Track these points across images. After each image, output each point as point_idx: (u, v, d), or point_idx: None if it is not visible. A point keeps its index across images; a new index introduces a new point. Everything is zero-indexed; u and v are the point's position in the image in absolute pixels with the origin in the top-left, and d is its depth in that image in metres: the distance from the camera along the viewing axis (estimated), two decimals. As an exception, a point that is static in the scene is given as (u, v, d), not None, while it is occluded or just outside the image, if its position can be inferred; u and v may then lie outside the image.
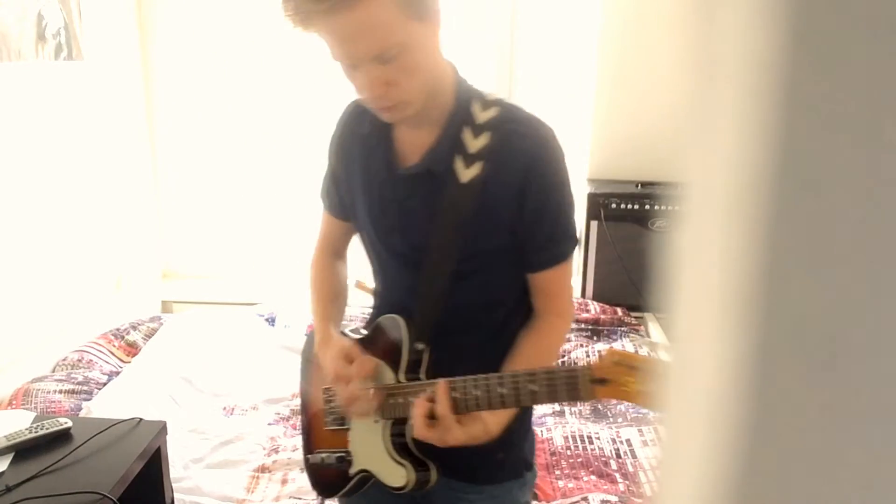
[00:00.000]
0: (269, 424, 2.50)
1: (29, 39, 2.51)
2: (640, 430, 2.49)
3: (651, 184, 3.02)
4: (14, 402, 2.33)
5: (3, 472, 1.56)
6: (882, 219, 0.23)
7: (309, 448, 1.37)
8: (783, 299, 0.23)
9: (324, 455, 1.30)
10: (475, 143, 1.09)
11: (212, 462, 2.28)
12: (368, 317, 1.32)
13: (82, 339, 2.76)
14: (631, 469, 2.31)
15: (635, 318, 3.06)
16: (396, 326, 1.18)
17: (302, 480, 2.18)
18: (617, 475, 2.25)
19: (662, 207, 2.93)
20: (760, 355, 0.24)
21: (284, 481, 2.19)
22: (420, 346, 1.16)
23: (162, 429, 1.78)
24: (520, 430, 1.24)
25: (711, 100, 0.25)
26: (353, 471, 1.26)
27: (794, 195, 0.23)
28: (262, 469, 2.25)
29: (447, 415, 1.06)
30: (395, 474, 1.18)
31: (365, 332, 1.30)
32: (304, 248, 3.68)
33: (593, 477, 2.23)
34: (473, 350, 1.18)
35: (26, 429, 1.68)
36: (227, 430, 2.42)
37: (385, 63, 0.99)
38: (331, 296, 1.32)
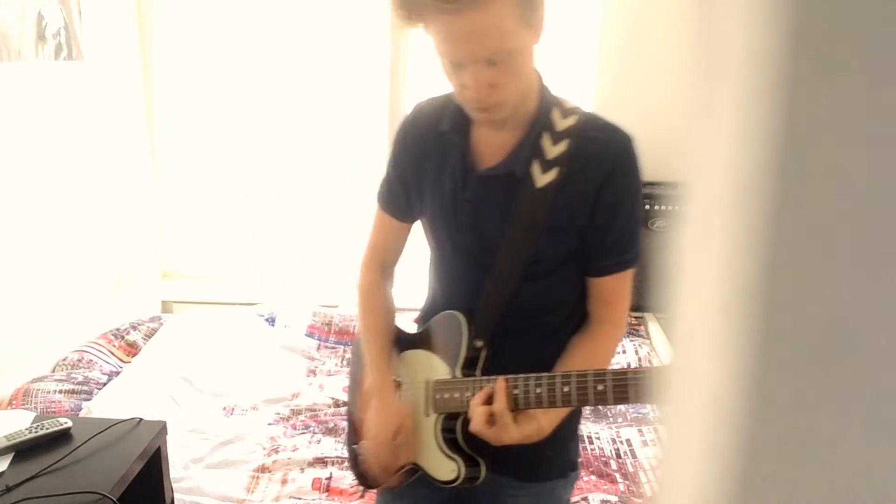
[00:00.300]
0: (269, 424, 2.50)
1: (29, 39, 2.51)
2: (640, 430, 2.49)
3: (651, 184, 3.01)
4: (14, 402, 2.33)
5: (3, 472, 1.56)
6: (883, 219, 0.23)
7: (354, 438, 1.39)
8: (783, 300, 0.23)
9: None
10: (553, 150, 1.11)
11: (212, 462, 2.28)
12: (423, 308, 1.34)
13: (82, 339, 2.76)
14: (631, 469, 2.31)
15: (635, 318, 3.06)
16: (457, 323, 1.20)
17: (302, 480, 2.18)
18: (617, 475, 2.25)
19: (662, 207, 2.92)
20: (760, 356, 0.24)
21: (284, 481, 2.19)
22: (479, 343, 1.18)
23: (162, 429, 1.78)
24: (568, 430, 1.26)
25: (712, 100, 0.25)
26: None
27: (794, 195, 0.23)
28: (262, 469, 2.25)
29: (504, 412, 1.08)
30: (445, 469, 1.20)
31: (417, 323, 1.33)
32: (303, 248, 3.68)
33: (593, 477, 2.23)
34: (528, 350, 1.19)
35: (26, 429, 1.68)
36: (227, 430, 2.42)
37: (493, 65, 1.01)
38: (384, 331, 1.32)
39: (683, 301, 0.28)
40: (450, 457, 1.20)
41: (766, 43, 0.22)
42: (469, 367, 1.19)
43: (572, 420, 1.28)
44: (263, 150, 3.48)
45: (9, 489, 1.50)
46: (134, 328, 2.93)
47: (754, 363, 0.24)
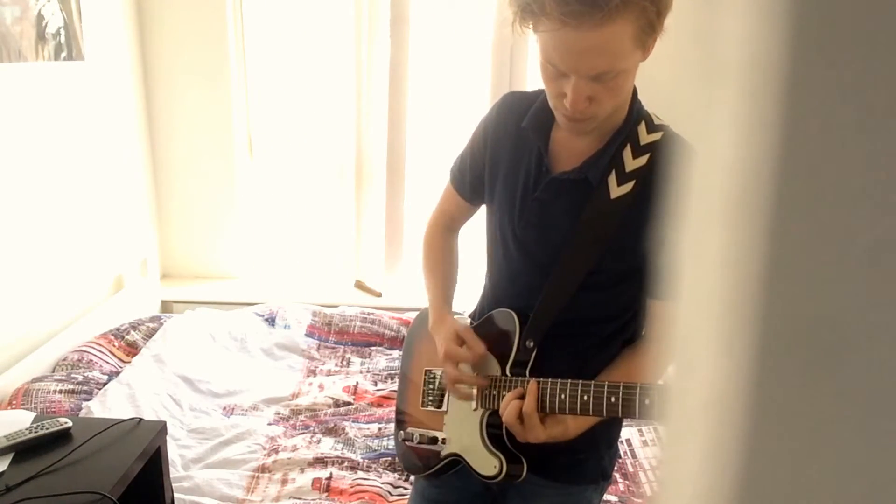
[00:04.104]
0: (269, 424, 2.50)
1: (29, 39, 2.51)
2: (640, 430, 2.49)
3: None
4: (14, 402, 2.33)
5: (3, 472, 1.56)
6: (883, 220, 0.23)
7: (401, 424, 1.41)
8: (783, 301, 0.23)
9: (417, 434, 1.35)
10: (632, 163, 1.11)
11: (212, 462, 2.28)
12: (477, 306, 1.36)
13: (82, 339, 2.76)
14: (631, 469, 2.31)
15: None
16: (511, 322, 1.21)
17: (302, 480, 2.18)
18: (617, 475, 2.25)
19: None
20: (760, 357, 0.24)
21: (284, 481, 2.19)
22: (530, 344, 1.19)
23: (162, 429, 1.78)
24: (606, 438, 1.28)
25: (711, 100, 0.25)
26: (444, 453, 1.30)
27: (794, 196, 0.23)
28: (262, 469, 2.25)
29: (532, 413, 1.11)
30: (488, 463, 1.22)
31: (470, 318, 1.35)
32: (303, 248, 3.67)
33: (593, 477, 2.23)
34: (576, 356, 1.20)
35: (26, 429, 1.68)
36: (227, 430, 2.42)
37: (597, 81, 1.01)
38: (446, 273, 1.37)
39: (683, 301, 0.28)
40: (493, 453, 1.22)
41: (767, 43, 0.22)
42: (519, 366, 1.20)
43: (611, 429, 1.29)
44: (263, 149, 3.48)
45: (9, 489, 1.50)
46: (134, 328, 2.93)
47: (754, 363, 0.24)
